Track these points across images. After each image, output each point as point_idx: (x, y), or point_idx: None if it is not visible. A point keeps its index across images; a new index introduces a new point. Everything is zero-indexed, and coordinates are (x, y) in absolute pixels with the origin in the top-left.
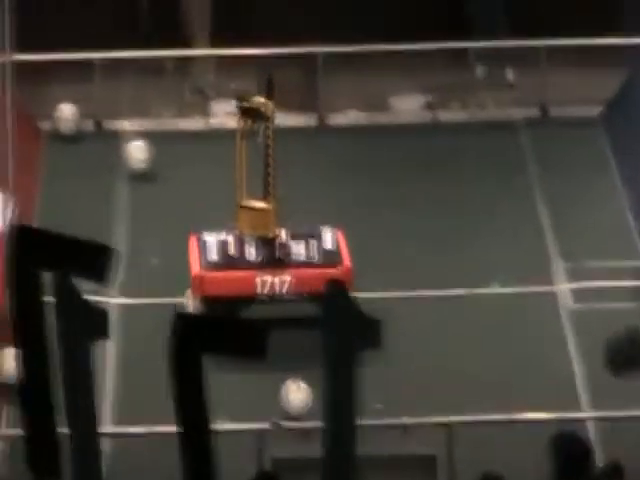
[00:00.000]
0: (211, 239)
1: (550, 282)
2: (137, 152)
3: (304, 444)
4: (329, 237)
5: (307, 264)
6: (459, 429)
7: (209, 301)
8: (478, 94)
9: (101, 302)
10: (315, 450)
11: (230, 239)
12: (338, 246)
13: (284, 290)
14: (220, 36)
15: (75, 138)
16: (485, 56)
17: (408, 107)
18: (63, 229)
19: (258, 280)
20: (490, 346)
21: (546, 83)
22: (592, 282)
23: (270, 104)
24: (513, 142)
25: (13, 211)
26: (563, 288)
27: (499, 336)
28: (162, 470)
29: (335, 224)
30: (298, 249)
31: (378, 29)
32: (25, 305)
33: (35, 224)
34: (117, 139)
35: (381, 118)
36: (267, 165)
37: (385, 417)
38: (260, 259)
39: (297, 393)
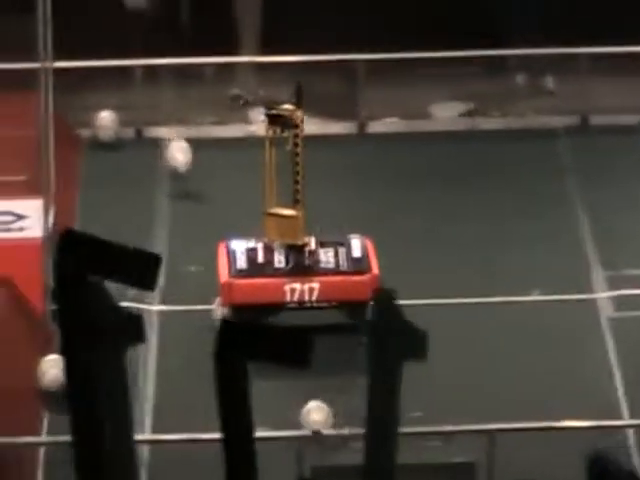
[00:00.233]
0: (240, 247)
1: (590, 290)
2: (179, 152)
3: (343, 452)
4: (358, 245)
5: (335, 272)
6: (498, 437)
7: (238, 309)
8: (518, 102)
9: (139, 308)
10: (354, 458)
11: (259, 247)
12: (367, 254)
13: (312, 298)
14: (262, 44)
15: (115, 145)
16: (525, 64)
17: (448, 115)
18: (103, 236)
19: (287, 288)
20: (529, 354)
21: (586, 91)
22: (632, 290)
23: (299, 112)
24: (553, 150)
25: (53, 219)
26: (603, 296)
27: (538, 344)
28: (198, 476)
29: (370, 232)
30: (327, 257)
31: (419, 37)
32: (71, 310)
33: None
34: (157, 146)
35: (421, 126)
36: (296, 173)
37: (425, 425)
38: (289, 267)
39: (318, 414)
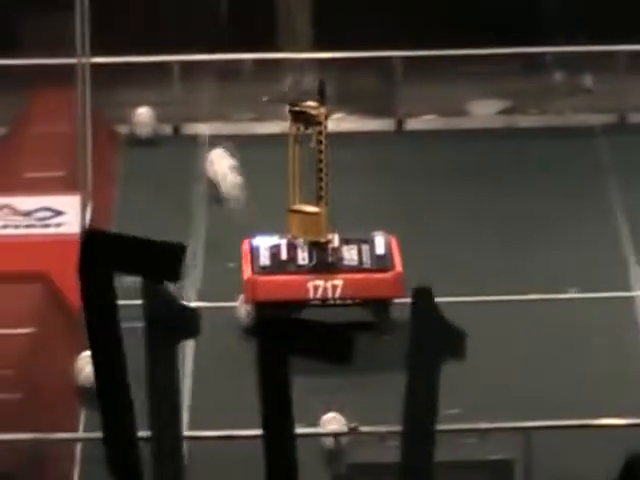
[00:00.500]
0: (263, 243)
1: (628, 288)
2: (219, 159)
3: (380, 449)
4: (381, 242)
5: (358, 269)
6: (537, 435)
7: (261, 306)
8: (556, 100)
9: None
10: (391, 455)
11: (282, 243)
12: (390, 251)
13: (335, 295)
14: (302, 41)
15: (152, 142)
16: (563, 62)
17: (485, 112)
18: (140, 232)
19: (310, 285)
20: (566, 351)
21: (624, 89)
22: None
23: (322, 109)
24: (590, 148)
25: (91, 214)
26: None
27: (575, 341)
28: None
29: (403, 229)
30: (350, 254)
31: (457, 34)
32: (98, 308)
33: (113, 227)
34: (195, 143)
35: (458, 123)
36: (319, 170)
37: (462, 422)
38: (312, 264)
39: (333, 425)
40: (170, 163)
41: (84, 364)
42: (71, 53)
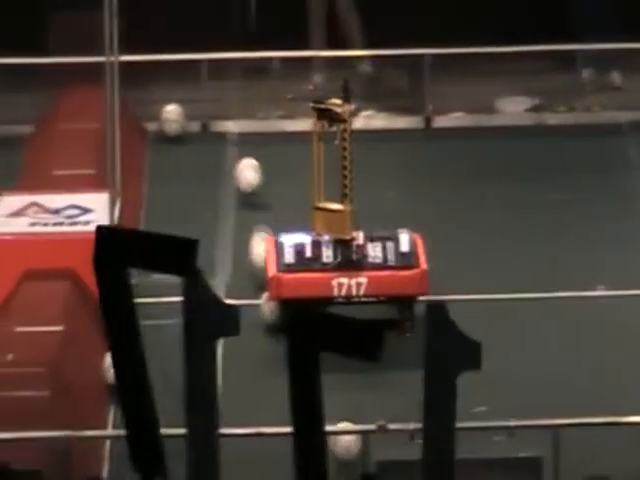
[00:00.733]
0: (288, 241)
1: None
2: (249, 172)
3: (409, 447)
4: (406, 240)
5: (383, 267)
6: (568, 432)
7: (285, 303)
8: (584, 97)
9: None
10: (419, 453)
11: (307, 241)
12: (415, 249)
13: (360, 292)
14: (330, 39)
15: (181, 139)
16: (592, 59)
17: (514, 110)
18: (169, 230)
19: (334, 282)
20: (594, 349)
21: None
22: None
23: (347, 106)
24: (619, 145)
25: (119, 212)
26: None
27: (604, 339)
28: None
29: (429, 227)
30: (375, 251)
31: (485, 31)
32: (115, 306)
33: (142, 225)
34: (223, 140)
35: (487, 120)
36: (344, 167)
37: (490, 420)
38: (336, 261)
39: (347, 437)
40: (198, 160)
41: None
42: (100, 51)
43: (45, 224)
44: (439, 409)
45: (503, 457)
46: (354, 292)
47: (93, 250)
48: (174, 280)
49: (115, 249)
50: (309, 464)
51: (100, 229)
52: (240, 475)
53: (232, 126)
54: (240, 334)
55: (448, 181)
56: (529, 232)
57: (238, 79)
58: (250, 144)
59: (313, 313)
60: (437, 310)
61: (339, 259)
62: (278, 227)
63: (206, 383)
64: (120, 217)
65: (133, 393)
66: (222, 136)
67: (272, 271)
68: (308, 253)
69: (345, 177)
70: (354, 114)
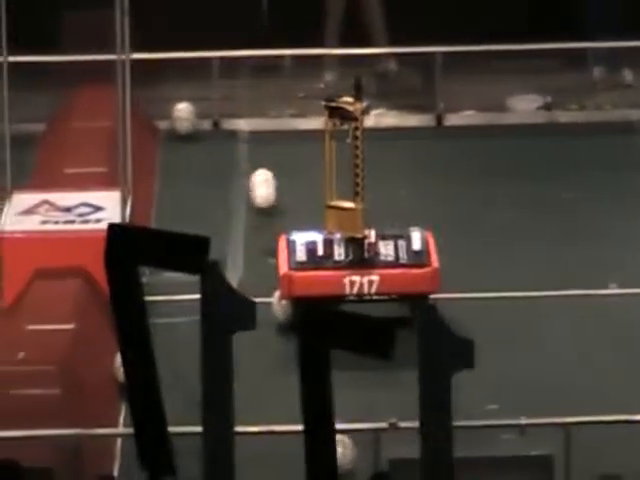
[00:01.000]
0: (300, 239)
1: None
2: (262, 186)
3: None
4: (418, 238)
5: (395, 265)
6: (580, 431)
7: (297, 302)
8: (596, 95)
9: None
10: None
11: (319, 239)
12: (427, 247)
13: (372, 290)
14: (342, 36)
15: (192, 137)
16: (603, 57)
17: (525, 108)
18: (180, 228)
19: (346, 280)
20: (606, 347)
21: None
22: None
23: (359, 104)
24: (630, 144)
25: (130, 210)
26: None
27: (615, 337)
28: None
29: (439, 225)
30: (386, 250)
31: (497, 29)
32: (126, 304)
33: (152, 223)
34: (234, 138)
35: (498, 119)
36: (355, 166)
37: (501, 418)
38: (348, 259)
39: (340, 448)
40: (209, 158)
41: None
42: (111, 50)
43: (56, 222)
44: (435, 408)
45: (514, 455)
46: (366, 290)
47: (104, 248)
48: (184, 278)
49: (127, 247)
50: (319, 462)
51: (112, 227)
52: (251, 473)
53: (243, 124)
54: (252, 332)
55: (459, 179)
56: (540, 230)
57: (249, 77)
58: (261, 142)
59: (324, 310)
60: (428, 310)
61: (351, 257)
62: (290, 225)
63: (222, 378)
64: (131, 215)
65: (142, 392)
66: (233, 134)
67: (284, 269)
68: (320, 251)
69: (357, 175)
70: (365, 112)
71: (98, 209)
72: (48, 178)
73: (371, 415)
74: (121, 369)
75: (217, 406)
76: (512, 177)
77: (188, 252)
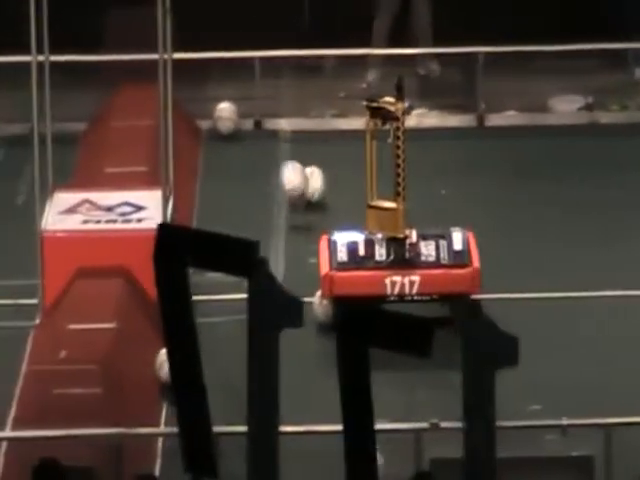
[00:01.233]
0: (341, 239)
1: None
2: (293, 175)
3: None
4: (459, 238)
5: (436, 265)
6: (618, 430)
7: (338, 301)
8: (637, 95)
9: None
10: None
11: (360, 239)
12: (468, 247)
13: (413, 291)
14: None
15: (234, 137)
16: None
17: (567, 108)
18: (221, 227)
19: (387, 281)
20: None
21: None
22: None
23: (400, 104)
24: None
25: (172, 210)
26: None
27: None
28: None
29: (480, 225)
30: (428, 250)
31: (538, 30)
32: (173, 304)
33: (194, 222)
34: (275, 138)
35: (539, 119)
36: (397, 166)
37: (543, 419)
38: (389, 259)
39: None
40: (251, 158)
41: (165, 360)
42: (154, 49)
43: (98, 221)
44: (478, 407)
45: (555, 456)
46: (407, 290)
47: (153, 247)
48: (225, 278)
49: (176, 247)
50: (359, 461)
51: (162, 227)
52: (292, 472)
53: (285, 124)
54: (294, 331)
55: (500, 179)
56: (582, 231)
57: (291, 77)
58: (303, 142)
59: (363, 309)
60: (472, 307)
61: (392, 257)
62: (331, 225)
63: (268, 376)
64: (173, 214)
65: (187, 391)
66: (275, 134)
67: (325, 269)
68: (361, 251)
69: (398, 175)
70: (407, 112)
71: (140, 208)
72: (89, 177)
73: (412, 415)
74: (162, 368)
75: (263, 405)
76: (552, 178)
77: (237, 255)
